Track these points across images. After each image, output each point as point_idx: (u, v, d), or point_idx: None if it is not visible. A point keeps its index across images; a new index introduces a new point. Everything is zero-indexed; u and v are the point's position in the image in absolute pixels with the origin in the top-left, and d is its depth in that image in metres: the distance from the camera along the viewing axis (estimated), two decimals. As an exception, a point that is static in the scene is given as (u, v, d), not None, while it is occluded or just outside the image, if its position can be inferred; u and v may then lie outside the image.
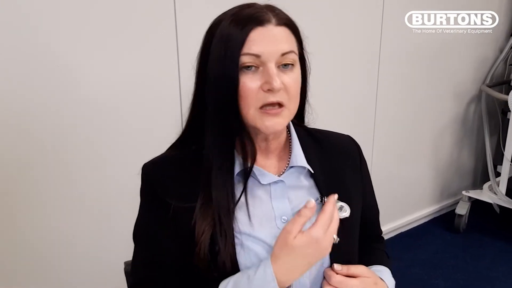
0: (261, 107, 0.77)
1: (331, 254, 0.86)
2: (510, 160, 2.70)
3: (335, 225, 0.78)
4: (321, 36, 2.04)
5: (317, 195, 0.89)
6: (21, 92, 1.41)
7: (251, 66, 0.76)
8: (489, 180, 2.90)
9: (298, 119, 0.96)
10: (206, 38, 0.80)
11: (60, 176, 1.54)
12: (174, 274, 0.85)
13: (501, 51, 2.91)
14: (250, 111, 0.77)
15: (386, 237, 2.73)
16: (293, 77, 0.78)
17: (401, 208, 2.83)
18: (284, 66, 0.78)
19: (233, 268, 0.80)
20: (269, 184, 0.86)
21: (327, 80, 2.11)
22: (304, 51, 0.85)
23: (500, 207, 2.88)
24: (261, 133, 0.84)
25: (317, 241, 0.75)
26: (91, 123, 1.55)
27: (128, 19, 1.54)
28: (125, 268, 1.05)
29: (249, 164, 0.83)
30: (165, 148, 0.93)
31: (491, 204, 2.88)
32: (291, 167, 0.89)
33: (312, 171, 0.89)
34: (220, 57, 0.76)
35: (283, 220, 0.85)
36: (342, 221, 0.85)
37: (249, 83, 0.76)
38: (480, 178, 3.28)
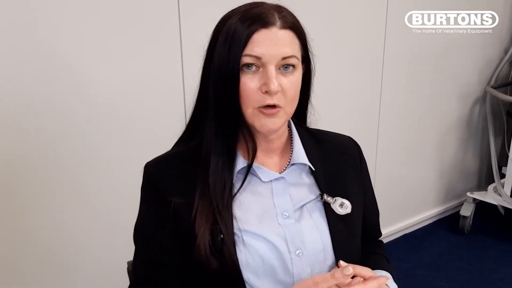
0: (259, 107, 0.79)
1: (335, 252, 0.86)
2: (515, 161, 2.69)
3: None
4: (325, 37, 2.04)
5: (318, 192, 0.90)
6: (29, 92, 1.43)
7: (252, 65, 0.77)
8: (493, 181, 2.89)
9: (300, 119, 0.97)
10: (213, 34, 0.82)
11: (65, 176, 1.55)
12: (174, 273, 0.85)
13: (505, 52, 2.90)
14: (248, 110, 0.80)
15: (390, 238, 2.73)
16: (292, 80, 0.80)
17: (405, 210, 2.82)
18: (285, 68, 0.79)
19: (233, 263, 0.80)
20: (271, 181, 0.87)
21: (331, 81, 2.11)
22: (309, 54, 0.86)
23: (505, 208, 2.87)
24: (261, 132, 0.85)
25: None
26: (97, 123, 1.56)
27: (132, 20, 1.55)
28: (128, 268, 1.06)
29: (249, 160, 0.84)
30: (169, 147, 0.94)
31: (496, 205, 2.87)
32: (292, 164, 0.90)
33: (313, 169, 0.90)
34: (224, 55, 0.78)
35: (284, 216, 0.86)
36: (343, 217, 0.85)
37: (249, 83, 0.78)
38: (485, 179, 3.27)
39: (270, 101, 0.78)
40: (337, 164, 0.94)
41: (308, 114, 0.97)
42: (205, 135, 0.85)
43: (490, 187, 2.93)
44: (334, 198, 0.88)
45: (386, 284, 0.89)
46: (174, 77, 1.68)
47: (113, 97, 1.57)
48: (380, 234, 1.09)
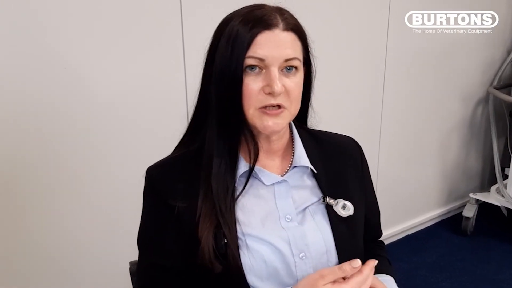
0: (261, 107, 0.79)
1: (338, 254, 0.86)
2: (517, 162, 2.68)
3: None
4: (326, 38, 2.04)
5: (320, 194, 0.90)
6: (30, 92, 1.43)
7: (255, 66, 0.78)
8: (496, 182, 2.88)
9: (301, 121, 0.97)
10: (215, 35, 0.83)
11: (65, 176, 1.56)
12: (179, 276, 0.86)
13: (508, 53, 2.90)
14: (250, 111, 0.80)
15: (393, 239, 2.73)
16: (295, 81, 0.80)
17: (408, 211, 2.82)
18: (288, 70, 0.80)
19: (237, 267, 0.80)
20: (273, 184, 0.87)
21: (332, 83, 2.11)
22: (310, 55, 0.86)
23: (508, 209, 2.86)
24: (262, 134, 0.85)
25: None
26: (98, 123, 1.57)
27: (134, 21, 1.55)
28: (130, 268, 1.06)
29: (251, 162, 0.84)
30: (171, 147, 0.95)
31: (498, 206, 2.86)
32: (294, 167, 0.90)
33: (315, 171, 0.90)
34: (226, 56, 0.78)
35: (287, 219, 0.86)
36: (346, 219, 0.86)
37: (252, 84, 0.78)
38: (488, 180, 3.26)
39: (273, 101, 0.79)
40: (338, 165, 0.94)
41: (309, 117, 0.97)
42: (206, 138, 0.85)
43: (493, 188, 2.92)
44: (337, 200, 0.88)
45: None
46: (176, 77, 1.68)
47: (115, 97, 1.58)
48: (381, 234, 1.09)
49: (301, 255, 0.84)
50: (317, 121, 0.98)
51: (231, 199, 0.83)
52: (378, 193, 1.05)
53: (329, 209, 0.88)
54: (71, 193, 1.58)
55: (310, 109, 0.95)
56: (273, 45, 0.77)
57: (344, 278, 0.75)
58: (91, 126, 1.56)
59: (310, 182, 0.91)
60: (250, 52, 0.77)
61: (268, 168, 0.89)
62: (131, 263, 1.05)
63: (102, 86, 1.54)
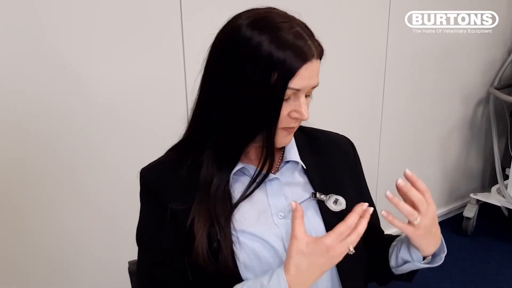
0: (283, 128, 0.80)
1: None
2: (518, 162, 2.68)
3: (355, 236, 0.75)
4: (326, 38, 2.03)
5: (311, 190, 0.90)
6: (30, 92, 1.44)
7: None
8: (497, 182, 2.88)
9: None
10: (230, 45, 0.76)
11: (65, 176, 1.56)
12: (178, 274, 0.86)
13: (509, 53, 2.90)
14: (273, 129, 0.79)
15: (393, 239, 2.72)
16: (309, 103, 0.81)
17: (408, 211, 2.81)
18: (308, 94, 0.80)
19: (231, 264, 0.81)
20: (265, 182, 0.87)
21: (333, 83, 2.11)
22: None
23: (509, 210, 2.86)
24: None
25: (327, 249, 0.74)
26: (98, 124, 1.57)
27: (135, 23, 1.56)
28: (129, 267, 1.06)
29: (247, 162, 0.86)
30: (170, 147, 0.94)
31: (499, 207, 2.86)
32: (286, 162, 0.90)
33: (305, 167, 0.90)
34: (266, 83, 0.73)
35: (279, 216, 0.86)
36: (339, 214, 0.85)
37: (283, 110, 0.77)
38: (488, 180, 3.26)
39: (295, 124, 0.81)
40: (330, 160, 0.95)
41: None
42: (208, 152, 0.85)
43: (494, 188, 2.92)
44: (328, 196, 0.88)
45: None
46: (176, 77, 1.68)
47: (115, 97, 1.58)
48: (383, 233, 1.09)
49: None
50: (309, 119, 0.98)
51: (227, 199, 0.83)
52: (378, 193, 1.05)
53: (321, 204, 0.88)
54: (71, 193, 1.58)
55: None
56: (310, 76, 0.76)
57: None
58: (91, 126, 1.56)
59: (301, 178, 0.91)
60: (292, 84, 0.74)
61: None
62: (130, 263, 1.06)
63: (102, 86, 1.55)
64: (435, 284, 2.35)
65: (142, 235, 0.90)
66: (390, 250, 0.94)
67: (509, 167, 2.82)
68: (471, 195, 2.89)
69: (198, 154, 0.86)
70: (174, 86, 1.68)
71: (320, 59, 0.78)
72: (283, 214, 0.86)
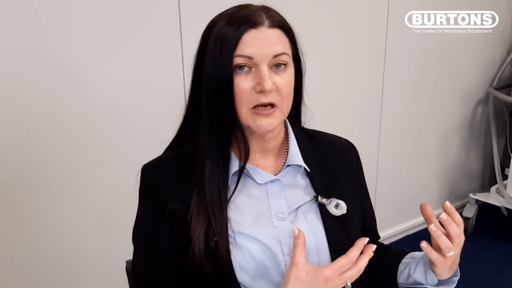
0: (254, 107, 0.79)
1: (331, 254, 0.86)
2: (517, 162, 2.68)
3: (355, 271, 0.77)
4: (326, 38, 2.04)
5: (313, 194, 0.90)
6: (30, 92, 1.44)
7: (244, 66, 0.78)
8: (496, 183, 2.88)
9: (295, 119, 0.97)
10: (202, 39, 0.83)
11: (66, 176, 1.56)
12: (174, 273, 0.86)
13: (508, 53, 2.90)
14: (243, 111, 0.80)
15: (392, 240, 2.73)
16: (285, 78, 0.80)
17: (408, 211, 2.82)
18: (277, 67, 0.80)
19: (227, 265, 0.81)
20: (266, 183, 0.88)
21: (332, 83, 2.11)
22: (299, 52, 0.87)
23: (508, 210, 2.86)
24: (257, 133, 0.85)
25: (326, 281, 0.75)
26: (97, 124, 1.57)
27: (135, 23, 1.56)
28: (126, 267, 1.06)
29: (242, 162, 0.85)
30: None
31: (498, 207, 2.86)
32: (288, 165, 0.90)
33: (309, 170, 0.90)
34: (215, 58, 0.78)
35: (279, 218, 0.86)
36: (340, 219, 0.86)
37: (242, 83, 0.78)
38: (488, 181, 3.26)
39: (265, 99, 0.79)
40: (333, 164, 0.95)
41: (302, 114, 0.97)
42: (199, 141, 0.85)
43: (493, 188, 2.92)
44: (329, 199, 0.88)
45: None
46: (175, 78, 1.69)
47: (115, 97, 1.58)
48: (379, 237, 1.09)
49: (291, 254, 0.83)
50: (310, 117, 0.98)
51: (223, 199, 0.83)
52: (378, 193, 1.05)
53: (322, 208, 0.88)
54: (70, 193, 1.58)
55: (303, 106, 0.95)
56: (260, 43, 0.77)
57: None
58: (90, 126, 1.56)
59: (303, 181, 0.91)
60: (238, 51, 0.77)
61: (262, 167, 0.89)
62: (128, 262, 1.06)
63: (102, 86, 1.55)
64: (434, 284, 2.35)
65: (139, 233, 0.90)
66: (401, 267, 0.94)
67: (508, 167, 2.82)
68: (471, 195, 2.89)
69: (192, 149, 0.87)
70: (174, 86, 1.68)
71: (283, 31, 0.81)
72: (282, 216, 0.86)
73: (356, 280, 0.80)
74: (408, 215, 2.83)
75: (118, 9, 1.51)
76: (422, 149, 2.77)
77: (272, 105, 0.80)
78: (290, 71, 0.82)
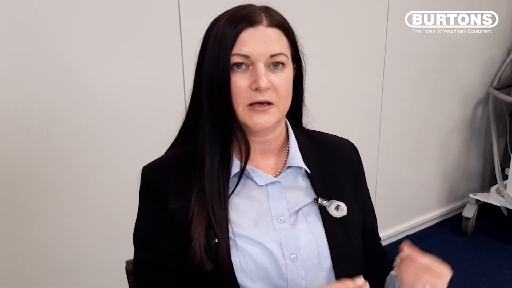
0: (250, 104, 0.80)
1: (332, 256, 0.86)
2: (517, 162, 2.68)
3: None
4: (326, 38, 2.04)
5: (314, 195, 0.89)
6: (30, 92, 1.44)
7: (241, 64, 0.79)
8: (496, 183, 2.88)
9: (295, 120, 0.97)
10: (204, 38, 0.84)
11: (66, 176, 1.56)
12: (174, 274, 0.86)
13: (508, 53, 2.90)
14: (240, 108, 0.81)
15: (393, 240, 2.72)
16: (282, 77, 0.81)
17: (408, 211, 2.82)
18: (275, 66, 0.80)
19: (227, 267, 0.81)
20: (266, 185, 0.87)
21: (332, 83, 2.11)
22: (299, 53, 0.87)
23: (508, 210, 2.86)
24: (257, 134, 0.85)
25: None
26: (98, 124, 1.57)
27: (135, 24, 1.56)
28: (126, 267, 1.06)
29: (242, 161, 0.85)
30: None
31: (498, 207, 2.86)
32: (288, 167, 0.90)
33: (309, 171, 0.90)
34: (214, 56, 0.79)
35: (279, 220, 0.86)
36: (340, 221, 0.86)
37: (239, 81, 0.79)
38: (488, 180, 3.26)
39: (261, 97, 0.79)
40: (333, 166, 0.94)
41: (303, 115, 0.97)
42: (200, 139, 0.85)
43: (493, 188, 2.92)
44: (330, 201, 0.87)
45: None
46: (175, 78, 1.69)
47: (115, 97, 1.58)
48: (380, 238, 1.09)
49: (292, 256, 0.83)
50: (311, 120, 0.98)
51: (224, 199, 0.83)
52: (378, 194, 1.05)
53: (323, 210, 0.88)
54: (70, 193, 1.58)
55: (303, 107, 0.95)
56: (257, 42, 0.78)
57: None
58: (91, 126, 1.56)
59: (304, 183, 0.91)
60: (235, 50, 0.78)
61: (262, 168, 0.89)
62: (128, 262, 1.06)
63: (102, 86, 1.55)
64: (434, 284, 2.35)
65: (140, 234, 0.90)
66: (388, 279, 0.95)
67: (509, 167, 2.82)
68: (471, 195, 2.89)
69: (193, 148, 0.87)
70: (174, 86, 1.68)
71: (282, 31, 0.81)
72: (283, 218, 0.86)
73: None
74: (408, 215, 2.83)
75: (118, 9, 1.51)
76: (422, 149, 2.77)
77: (268, 102, 0.80)
78: (288, 70, 0.83)
